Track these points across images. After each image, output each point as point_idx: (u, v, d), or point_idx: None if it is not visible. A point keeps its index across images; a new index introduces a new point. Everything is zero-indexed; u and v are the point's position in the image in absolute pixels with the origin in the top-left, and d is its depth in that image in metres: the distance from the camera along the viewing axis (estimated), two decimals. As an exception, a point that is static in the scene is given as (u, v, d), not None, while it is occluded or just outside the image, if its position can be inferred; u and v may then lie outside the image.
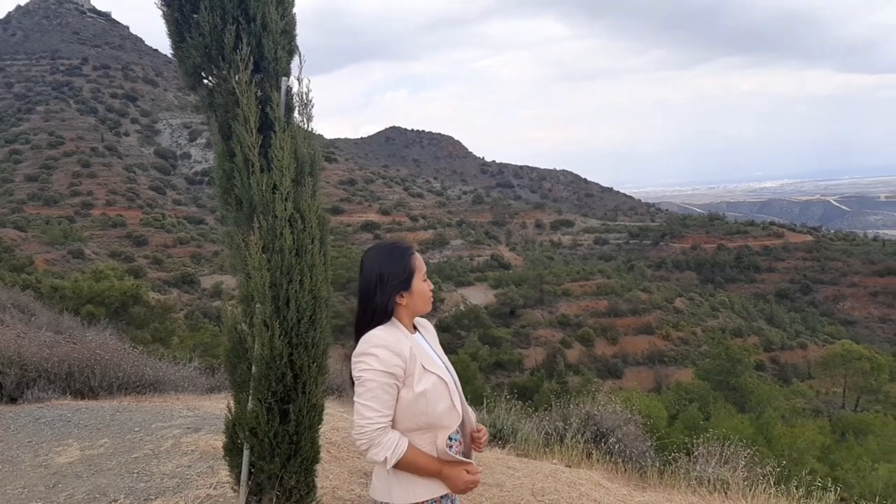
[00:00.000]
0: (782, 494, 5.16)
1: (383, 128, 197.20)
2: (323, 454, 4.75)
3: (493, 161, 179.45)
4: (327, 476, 4.33)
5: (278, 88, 3.02)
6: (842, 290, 79.48)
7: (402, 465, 2.01)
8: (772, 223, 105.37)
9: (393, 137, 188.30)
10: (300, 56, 3.10)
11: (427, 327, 2.29)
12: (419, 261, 2.16)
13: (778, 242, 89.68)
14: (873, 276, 79.54)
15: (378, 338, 2.02)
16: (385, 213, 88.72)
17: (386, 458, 1.98)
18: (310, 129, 3.10)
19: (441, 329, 54.76)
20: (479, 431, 2.22)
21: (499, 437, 6.23)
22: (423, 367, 2.06)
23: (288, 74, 3.08)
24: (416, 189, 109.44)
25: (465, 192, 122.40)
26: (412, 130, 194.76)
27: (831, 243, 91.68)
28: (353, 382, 2.09)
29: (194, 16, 2.98)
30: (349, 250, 68.08)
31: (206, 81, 3.10)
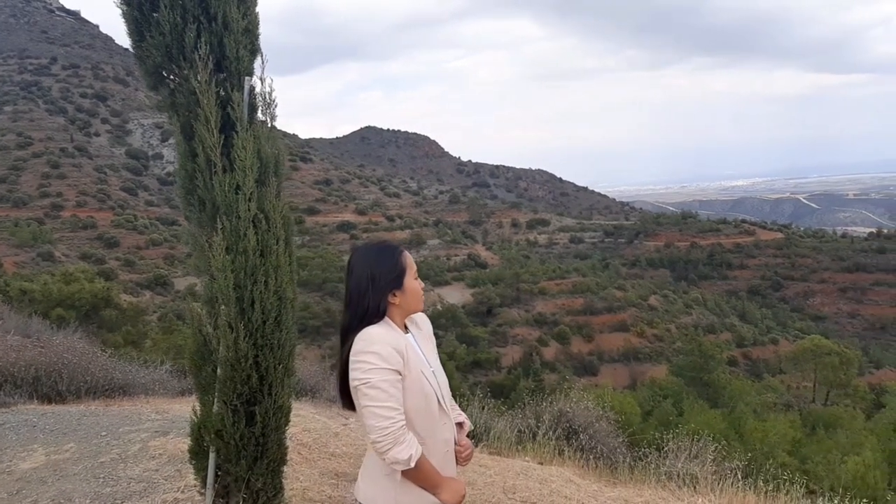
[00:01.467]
0: (750, 488, 5.25)
1: (359, 127, 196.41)
2: (293, 456, 4.73)
3: (470, 161, 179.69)
4: (297, 478, 4.31)
5: (240, 88, 3.00)
6: (812, 287, 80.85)
7: (413, 471, 1.98)
8: (743, 221, 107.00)
9: (369, 137, 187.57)
10: (263, 56, 3.09)
11: (421, 324, 2.25)
12: (409, 259, 2.14)
13: (749, 240, 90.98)
14: (842, 273, 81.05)
15: (377, 335, 1.99)
16: (361, 213, 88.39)
17: (410, 456, 1.94)
18: (273, 128, 3.09)
19: (418, 329, 54.28)
20: (461, 445, 2.18)
21: (471, 436, 6.24)
22: (418, 366, 2.05)
23: (251, 74, 3.07)
24: (392, 189, 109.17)
25: (441, 192, 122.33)
26: (388, 130, 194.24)
27: (801, 240, 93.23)
28: (343, 380, 2.05)
29: (154, 14, 2.95)
30: (325, 251, 67.71)
31: (167, 81, 3.07)
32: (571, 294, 63.10)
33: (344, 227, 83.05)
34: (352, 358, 1.99)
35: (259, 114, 3.11)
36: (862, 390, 39.48)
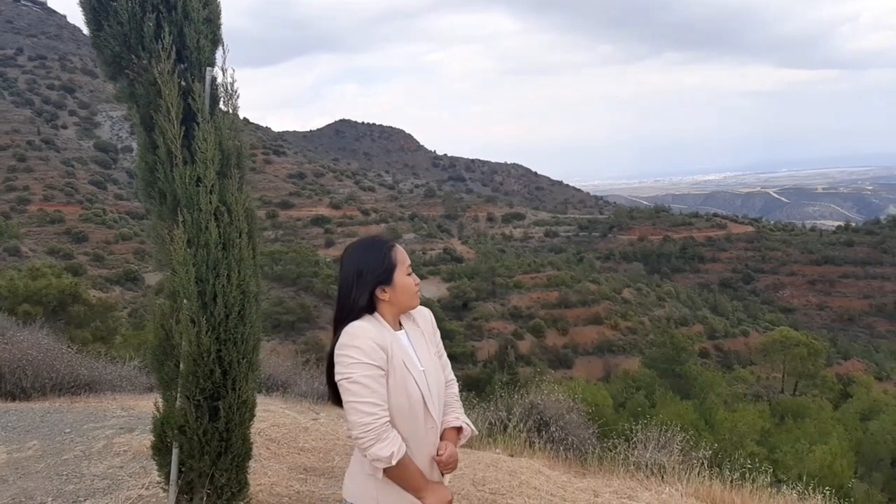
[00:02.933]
0: (716, 477, 5.33)
1: (333, 121, 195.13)
2: (262, 451, 4.70)
3: (445, 154, 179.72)
4: (266, 473, 4.28)
5: (202, 79, 2.95)
6: (781, 279, 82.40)
7: (395, 470, 1.93)
8: (715, 215, 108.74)
9: (343, 131, 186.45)
10: (224, 46, 3.04)
11: (419, 320, 2.18)
12: (401, 254, 2.10)
13: (721, 233, 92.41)
14: (811, 265, 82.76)
15: (361, 328, 1.97)
16: (336, 207, 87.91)
17: (392, 454, 1.90)
18: (235, 120, 3.05)
19: (393, 323, 54.25)
20: (439, 453, 2.05)
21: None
22: (404, 365, 2.00)
23: (212, 65, 3.02)
24: (367, 183, 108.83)
25: (416, 186, 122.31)
26: (363, 123, 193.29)
27: (771, 234, 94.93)
28: (329, 375, 2.00)
29: (112, 3, 2.89)
30: (299, 245, 67.23)
31: (126, 71, 3.02)
32: (546, 288, 63.47)
33: (318, 221, 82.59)
34: (336, 352, 1.97)
35: (221, 105, 3.07)
36: (830, 381, 40.27)
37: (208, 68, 3.00)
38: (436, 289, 62.73)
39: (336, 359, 1.96)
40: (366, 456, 1.93)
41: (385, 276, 2.04)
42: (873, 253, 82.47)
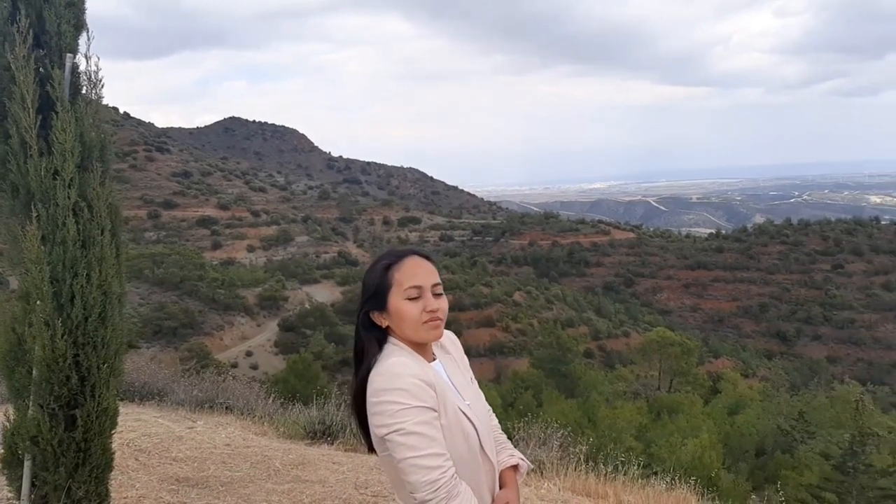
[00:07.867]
0: (592, 470, 5.58)
1: (222, 118, 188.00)
2: (130, 462, 4.46)
3: (341, 156, 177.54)
4: (133, 485, 4.07)
5: (61, 66, 2.77)
6: (659, 283, 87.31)
7: None
8: (600, 221, 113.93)
9: (232, 128, 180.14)
10: (89, 32, 2.87)
11: (449, 347, 1.86)
12: (404, 273, 1.67)
13: (605, 239, 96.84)
14: (686, 270, 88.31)
15: (401, 364, 1.60)
16: (224, 207, 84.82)
17: None
18: (99, 110, 2.88)
19: (285, 328, 53.18)
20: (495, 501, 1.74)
21: (327, 434, 6.18)
22: (456, 405, 1.68)
23: (74, 51, 2.84)
24: (257, 183, 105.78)
25: (310, 188, 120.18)
26: (254, 122, 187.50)
27: (651, 240, 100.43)
28: (360, 417, 1.69)
29: (-40, -20, 2.66)
30: (183, 247, 64.35)
31: (-24, 54, 2.79)
32: (440, 291, 64.10)
33: (204, 222, 79.39)
34: (371, 400, 1.59)
35: (84, 93, 2.89)
36: (701, 378, 42.97)
37: (69, 55, 2.82)
38: (329, 293, 61.86)
39: (374, 408, 1.59)
40: None
41: (376, 300, 1.68)
42: (741, 259, 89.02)
